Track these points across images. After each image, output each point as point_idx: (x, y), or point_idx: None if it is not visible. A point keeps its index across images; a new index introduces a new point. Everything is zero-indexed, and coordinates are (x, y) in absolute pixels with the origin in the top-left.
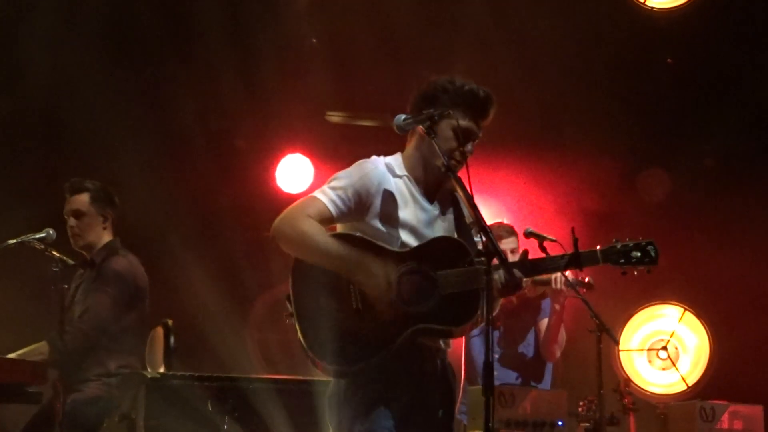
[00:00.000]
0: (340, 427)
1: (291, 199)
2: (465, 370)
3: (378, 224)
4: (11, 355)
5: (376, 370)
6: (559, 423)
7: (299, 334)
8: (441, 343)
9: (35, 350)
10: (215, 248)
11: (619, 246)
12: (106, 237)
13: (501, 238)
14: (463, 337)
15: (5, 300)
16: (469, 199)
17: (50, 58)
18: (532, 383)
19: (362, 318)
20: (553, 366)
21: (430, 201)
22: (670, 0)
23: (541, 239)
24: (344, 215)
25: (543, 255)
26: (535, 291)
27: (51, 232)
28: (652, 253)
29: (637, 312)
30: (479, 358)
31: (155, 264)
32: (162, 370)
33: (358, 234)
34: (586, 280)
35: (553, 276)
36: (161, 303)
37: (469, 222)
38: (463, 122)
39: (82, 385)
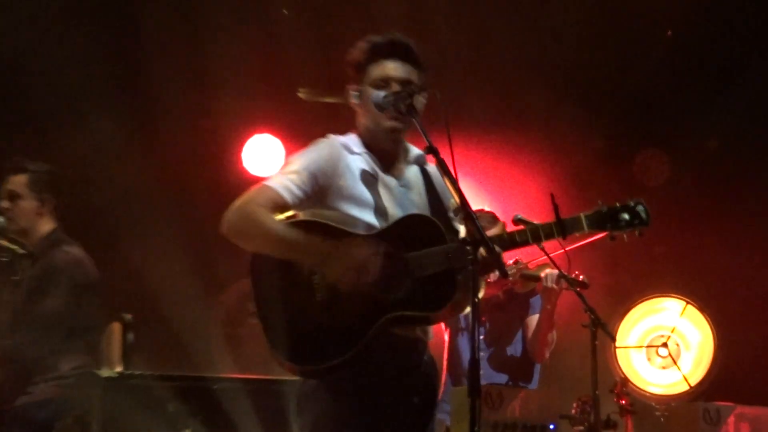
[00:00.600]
0: (310, 429)
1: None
2: (447, 369)
3: (341, 207)
4: None
5: (347, 367)
6: (551, 426)
7: (263, 334)
8: (419, 332)
9: None
10: (184, 233)
11: (605, 209)
12: (44, 225)
13: (483, 228)
14: (447, 332)
15: None
16: (454, 182)
17: (4, 23)
18: (521, 384)
19: (328, 311)
20: (541, 366)
21: (395, 176)
22: None
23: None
24: (302, 201)
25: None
26: (523, 287)
27: (0, 219)
28: (643, 214)
29: (635, 305)
30: (466, 355)
31: (116, 249)
32: (119, 369)
33: (319, 220)
34: (581, 278)
35: (544, 272)
36: (124, 293)
37: (444, 198)
38: (378, 71)
39: (32, 387)
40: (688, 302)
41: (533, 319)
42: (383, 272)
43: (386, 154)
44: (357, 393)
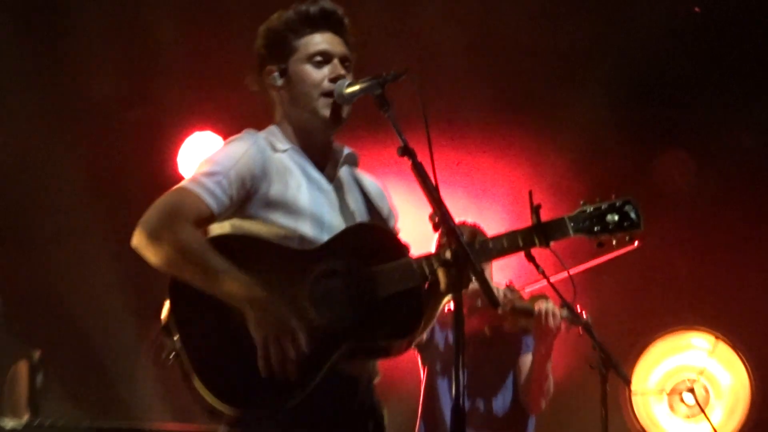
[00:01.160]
0: None
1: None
2: (422, 415)
3: (268, 217)
4: None
5: (288, 415)
6: None
7: (192, 378)
8: (370, 368)
9: None
10: (111, 244)
11: (590, 209)
12: None
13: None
14: (425, 371)
15: None
16: (432, 191)
17: None
18: None
19: None
20: (537, 418)
21: (329, 178)
22: None
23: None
24: (225, 210)
25: (531, 265)
26: (514, 325)
27: None
28: (632, 215)
29: (654, 342)
30: (446, 400)
31: (26, 265)
32: (26, 417)
33: (247, 234)
34: (584, 316)
35: (539, 305)
36: (34, 321)
37: (380, 208)
38: (312, 45)
39: None
40: (718, 338)
41: (526, 360)
42: (332, 296)
43: (318, 152)
44: None
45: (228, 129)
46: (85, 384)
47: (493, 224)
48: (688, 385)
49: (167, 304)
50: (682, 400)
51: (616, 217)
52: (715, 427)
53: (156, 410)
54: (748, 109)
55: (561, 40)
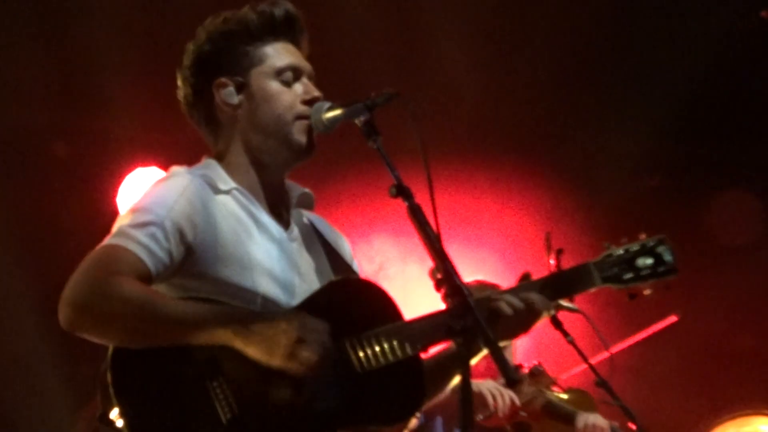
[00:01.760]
0: None
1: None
2: None
3: (219, 274)
4: None
5: None
6: None
7: None
8: None
9: None
10: (41, 305)
11: (617, 252)
12: None
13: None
14: None
15: None
16: (433, 240)
17: None
18: None
19: None
20: None
21: (282, 224)
22: None
23: (553, 308)
24: (165, 268)
25: (558, 331)
26: (543, 425)
27: None
28: (667, 257)
29: (715, 429)
30: None
31: None
32: None
33: (200, 296)
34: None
35: (584, 420)
36: None
37: (343, 257)
38: (280, 57)
39: None
40: None
41: None
42: (313, 372)
43: (271, 191)
44: None
45: (178, 164)
46: None
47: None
48: None
49: (108, 380)
50: None
51: (649, 261)
52: None
53: None
54: None
55: (587, 67)
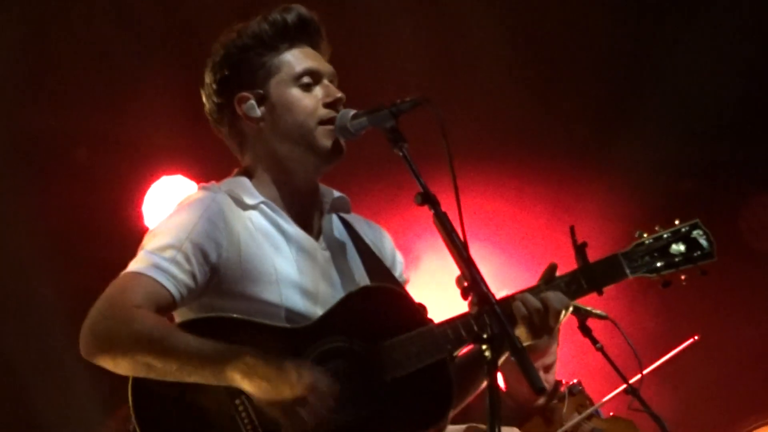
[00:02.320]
0: None
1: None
2: None
3: (246, 292)
4: None
5: None
6: None
7: None
8: None
9: None
10: (65, 312)
11: (649, 241)
12: None
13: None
14: None
15: None
16: (460, 248)
17: None
18: None
19: None
20: None
21: (312, 233)
22: None
23: (582, 315)
24: (190, 292)
25: (585, 338)
26: None
27: None
28: (703, 241)
29: None
30: None
31: None
32: None
33: (222, 315)
34: None
35: None
36: None
37: (384, 258)
38: (297, 63)
39: None
40: None
41: None
42: (337, 381)
43: (302, 200)
44: None
45: (204, 172)
46: None
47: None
48: None
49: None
50: None
51: (683, 247)
52: None
53: None
54: None
55: (621, 70)
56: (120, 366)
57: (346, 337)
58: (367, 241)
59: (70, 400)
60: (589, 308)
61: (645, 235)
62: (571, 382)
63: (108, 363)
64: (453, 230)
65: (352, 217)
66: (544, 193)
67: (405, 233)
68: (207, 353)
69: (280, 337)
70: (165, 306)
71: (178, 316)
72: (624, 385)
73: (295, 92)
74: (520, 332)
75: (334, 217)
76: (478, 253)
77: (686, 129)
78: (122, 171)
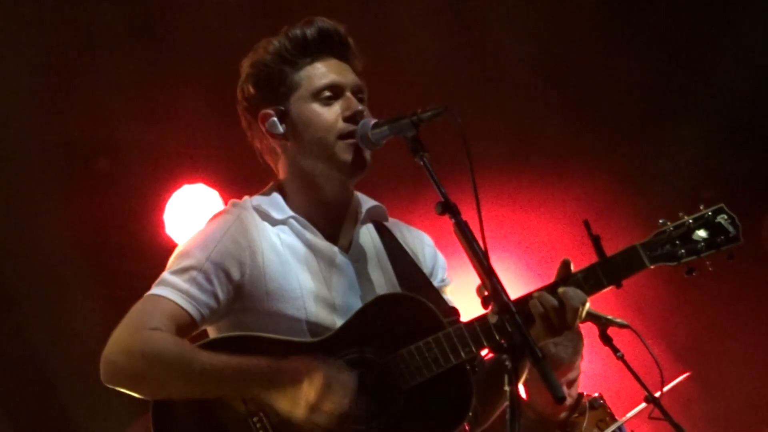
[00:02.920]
0: None
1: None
2: None
3: (270, 308)
4: None
5: None
6: None
7: None
8: None
9: None
10: (99, 296)
11: (671, 228)
12: None
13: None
14: None
15: None
16: (481, 257)
17: None
18: None
19: None
20: None
21: (342, 245)
22: None
23: (602, 324)
24: (213, 312)
25: (606, 347)
26: None
27: None
28: (728, 226)
29: None
30: None
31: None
32: None
33: (244, 333)
34: None
35: None
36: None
37: (423, 264)
38: (318, 77)
39: None
40: None
41: None
42: (356, 393)
43: (329, 213)
44: None
45: (225, 181)
46: None
47: None
48: None
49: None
50: None
51: (707, 233)
52: None
53: None
54: None
55: (643, 78)
56: (137, 389)
57: (361, 348)
58: (406, 247)
59: (98, 398)
60: (610, 317)
61: (668, 224)
62: (592, 396)
63: (126, 388)
64: (474, 239)
65: (392, 224)
66: (567, 206)
67: None
68: (226, 373)
69: (300, 352)
70: (185, 327)
71: (212, 332)
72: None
73: (315, 107)
74: (538, 331)
75: (370, 226)
76: (499, 265)
77: (712, 138)
78: (144, 180)
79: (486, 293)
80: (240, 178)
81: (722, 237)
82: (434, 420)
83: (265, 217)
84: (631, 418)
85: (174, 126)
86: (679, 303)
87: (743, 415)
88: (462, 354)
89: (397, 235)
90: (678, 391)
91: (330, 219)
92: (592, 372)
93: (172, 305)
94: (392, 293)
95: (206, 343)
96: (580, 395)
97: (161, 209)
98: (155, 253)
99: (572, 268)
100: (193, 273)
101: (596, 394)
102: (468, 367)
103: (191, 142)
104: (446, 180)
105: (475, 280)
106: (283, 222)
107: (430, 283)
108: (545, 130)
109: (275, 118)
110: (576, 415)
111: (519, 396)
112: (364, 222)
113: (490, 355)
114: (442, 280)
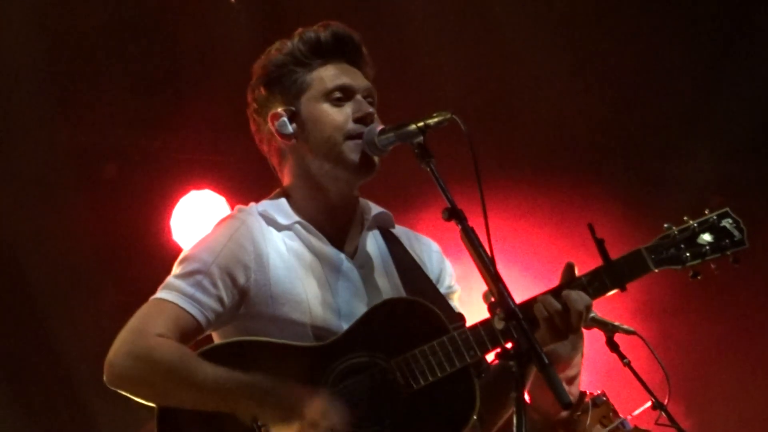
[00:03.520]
0: None
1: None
2: None
3: (275, 313)
4: None
5: None
6: None
7: None
8: None
9: None
10: (109, 297)
11: (675, 232)
12: None
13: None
14: None
15: None
16: (487, 263)
17: None
18: None
19: None
20: None
21: (347, 251)
22: None
23: (609, 330)
24: (218, 316)
25: (614, 353)
26: None
27: None
28: (733, 230)
29: None
30: None
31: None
32: None
33: (248, 339)
34: None
35: None
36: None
37: (429, 269)
38: (329, 79)
39: None
40: None
41: None
42: (359, 395)
43: (335, 219)
44: None
45: (232, 187)
46: None
47: None
48: None
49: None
50: None
51: (712, 237)
52: None
53: None
54: None
55: (654, 88)
56: (138, 394)
57: (367, 352)
58: (413, 254)
59: (117, 397)
60: (616, 323)
61: (673, 227)
62: (594, 393)
63: (127, 392)
64: (480, 245)
65: (399, 231)
66: (575, 217)
67: None
68: (226, 386)
69: (304, 357)
70: (190, 331)
71: (217, 338)
72: (651, 401)
73: (325, 107)
74: (542, 335)
75: (376, 232)
76: (505, 272)
77: (721, 147)
78: (151, 186)
79: (492, 299)
80: (247, 184)
81: (727, 241)
82: (438, 424)
83: (271, 222)
84: (636, 417)
85: (181, 132)
86: (687, 310)
87: (755, 423)
88: (467, 357)
89: (404, 242)
90: (685, 398)
91: (336, 224)
92: (597, 372)
93: (177, 309)
94: (398, 297)
95: (209, 349)
96: (583, 394)
97: (168, 215)
98: (162, 258)
99: (576, 271)
100: (199, 277)
101: (598, 392)
102: (473, 373)
103: (198, 148)
104: (454, 188)
105: (481, 288)
106: (288, 227)
107: (437, 290)
108: (557, 144)
109: (285, 118)
110: (579, 413)
111: (525, 402)
112: (370, 228)
113: (496, 361)
114: (449, 287)
